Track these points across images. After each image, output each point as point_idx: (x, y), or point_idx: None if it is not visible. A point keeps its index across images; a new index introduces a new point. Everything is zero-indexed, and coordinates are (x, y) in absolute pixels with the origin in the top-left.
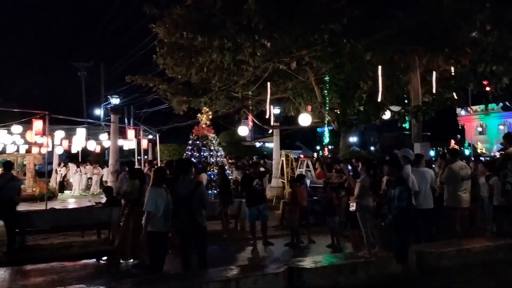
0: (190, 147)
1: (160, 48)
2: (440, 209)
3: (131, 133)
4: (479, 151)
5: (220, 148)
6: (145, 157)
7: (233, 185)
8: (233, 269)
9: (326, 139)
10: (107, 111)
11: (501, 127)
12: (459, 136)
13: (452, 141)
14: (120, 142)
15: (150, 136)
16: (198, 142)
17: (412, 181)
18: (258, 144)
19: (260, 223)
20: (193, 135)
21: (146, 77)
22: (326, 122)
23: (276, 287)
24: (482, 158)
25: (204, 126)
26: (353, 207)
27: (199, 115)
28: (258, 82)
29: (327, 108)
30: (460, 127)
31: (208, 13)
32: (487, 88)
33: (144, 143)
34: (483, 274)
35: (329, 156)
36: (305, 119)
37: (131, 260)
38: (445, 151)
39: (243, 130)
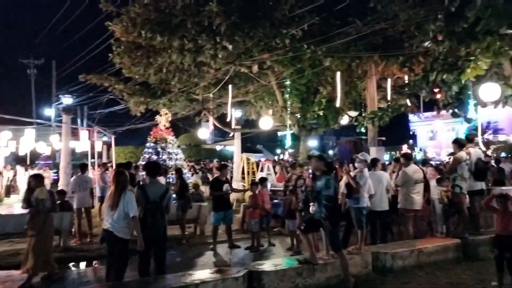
0: (148, 150)
1: (116, 47)
2: (394, 211)
3: (84, 134)
4: (429, 155)
5: (180, 151)
6: (99, 159)
7: (193, 188)
8: (191, 274)
9: (288, 143)
10: (58, 112)
11: (450, 133)
12: (411, 141)
13: (405, 146)
14: (72, 144)
15: (105, 138)
16: (156, 144)
17: (368, 184)
18: (218, 147)
19: (224, 227)
20: (151, 137)
21: (101, 76)
22: (287, 126)
23: None
24: (432, 162)
25: (162, 128)
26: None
27: (157, 117)
28: (219, 85)
29: (288, 112)
30: (412, 133)
31: (168, 13)
32: (438, 96)
33: (98, 145)
34: (433, 273)
35: (289, 160)
36: (266, 123)
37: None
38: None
39: (204, 133)
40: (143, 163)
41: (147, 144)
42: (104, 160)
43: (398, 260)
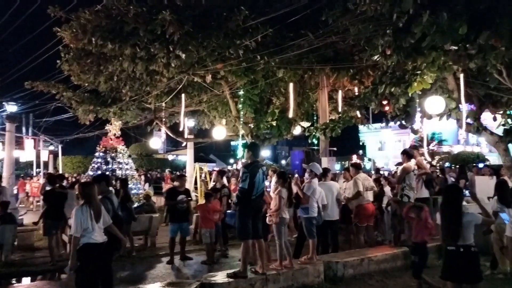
0: (97, 160)
1: (65, 54)
2: (344, 221)
3: (29, 143)
4: (378, 165)
5: (130, 161)
6: (45, 170)
7: (144, 199)
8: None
9: (240, 153)
10: (2, 119)
11: (397, 143)
12: (361, 151)
13: (355, 156)
14: (17, 153)
15: (52, 147)
16: (106, 154)
17: (320, 194)
18: (171, 157)
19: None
20: (101, 146)
21: (48, 83)
22: (240, 135)
23: None
24: (382, 172)
25: (113, 137)
26: (271, 219)
27: (107, 125)
28: (172, 94)
29: (242, 122)
30: (362, 143)
31: (120, 20)
32: (386, 108)
33: (44, 155)
34: (383, 281)
35: None
36: (219, 132)
37: None
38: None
39: (156, 143)
40: (92, 173)
41: (96, 154)
42: (51, 170)
43: (349, 268)
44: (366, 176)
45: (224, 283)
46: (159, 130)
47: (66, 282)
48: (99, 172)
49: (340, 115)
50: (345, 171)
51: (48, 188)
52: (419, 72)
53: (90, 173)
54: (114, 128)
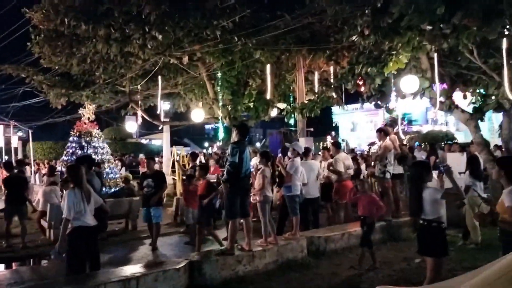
0: (71, 144)
1: (36, 35)
2: (324, 198)
3: None
4: (351, 146)
5: (106, 145)
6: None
7: (123, 183)
8: (131, 268)
9: (221, 135)
10: None
11: (369, 124)
12: (333, 132)
13: (329, 137)
14: None
15: (21, 133)
16: (80, 139)
17: (301, 172)
18: (144, 141)
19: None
20: (75, 131)
21: (17, 66)
22: (220, 118)
23: (177, 282)
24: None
25: (86, 121)
26: (255, 198)
27: (81, 109)
28: (147, 76)
29: (220, 104)
30: (335, 124)
31: (94, 1)
32: (362, 88)
33: (14, 141)
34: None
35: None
36: (197, 115)
37: None
38: (326, 144)
39: (132, 126)
40: (66, 158)
41: (71, 138)
42: (21, 156)
43: (330, 243)
44: (346, 155)
45: (212, 260)
46: (134, 113)
47: (47, 267)
48: (74, 157)
49: (317, 95)
50: (324, 150)
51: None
52: (394, 52)
53: (65, 158)
54: (88, 112)
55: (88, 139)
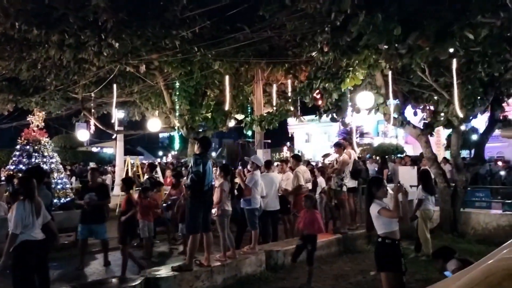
0: (18, 153)
1: None
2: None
3: None
4: (306, 157)
5: (55, 154)
6: None
7: (75, 195)
8: (83, 286)
9: (177, 145)
10: None
11: (323, 135)
12: (289, 143)
13: (285, 148)
14: None
15: None
16: (28, 147)
17: (261, 185)
18: (95, 149)
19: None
20: (22, 139)
21: None
22: (176, 128)
23: None
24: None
25: (35, 129)
26: (214, 212)
27: (30, 116)
28: (101, 84)
29: (177, 114)
30: (290, 135)
31: (48, 5)
32: (320, 102)
33: None
34: (320, 267)
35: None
36: (154, 125)
37: None
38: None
39: (83, 134)
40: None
41: (18, 146)
42: None
43: (289, 256)
44: (305, 168)
45: (169, 277)
46: (86, 121)
47: None
48: (21, 166)
49: (276, 108)
50: (281, 163)
51: None
52: (351, 69)
53: (11, 167)
54: (37, 119)
55: (36, 147)
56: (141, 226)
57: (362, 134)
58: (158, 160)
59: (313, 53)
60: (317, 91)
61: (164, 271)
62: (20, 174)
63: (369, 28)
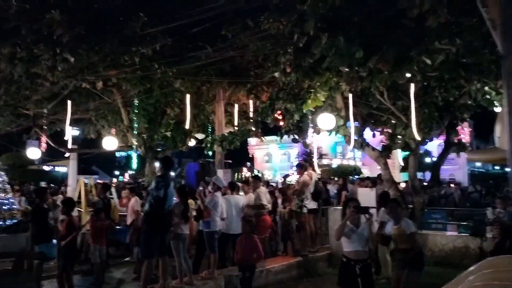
0: None
1: None
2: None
3: None
4: (266, 178)
5: (3, 173)
6: None
7: (21, 217)
8: None
9: (134, 165)
10: None
11: (283, 156)
12: (249, 163)
13: (245, 168)
14: None
15: None
16: None
17: (221, 207)
18: (47, 168)
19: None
20: None
21: None
22: (134, 147)
23: None
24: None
25: None
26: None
27: None
28: (55, 100)
29: (135, 132)
30: (250, 156)
31: None
32: (281, 123)
33: None
34: None
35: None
36: (110, 143)
37: None
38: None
39: (34, 152)
40: None
41: None
42: None
43: None
44: (266, 189)
45: None
46: (37, 138)
47: None
48: None
49: (237, 127)
50: (243, 184)
51: None
52: (313, 90)
53: None
54: None
55: None
56: (92, 251)
57: (321, 156)
58: (114, 179)
59: (276, 74)
60: (279, 111)
61: None
62: None
63: (331, 50)
